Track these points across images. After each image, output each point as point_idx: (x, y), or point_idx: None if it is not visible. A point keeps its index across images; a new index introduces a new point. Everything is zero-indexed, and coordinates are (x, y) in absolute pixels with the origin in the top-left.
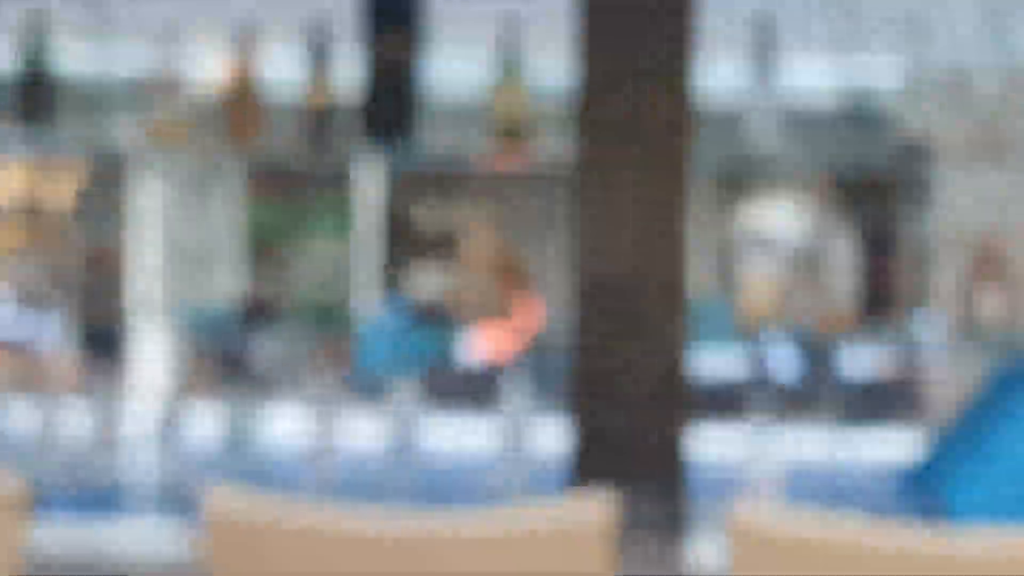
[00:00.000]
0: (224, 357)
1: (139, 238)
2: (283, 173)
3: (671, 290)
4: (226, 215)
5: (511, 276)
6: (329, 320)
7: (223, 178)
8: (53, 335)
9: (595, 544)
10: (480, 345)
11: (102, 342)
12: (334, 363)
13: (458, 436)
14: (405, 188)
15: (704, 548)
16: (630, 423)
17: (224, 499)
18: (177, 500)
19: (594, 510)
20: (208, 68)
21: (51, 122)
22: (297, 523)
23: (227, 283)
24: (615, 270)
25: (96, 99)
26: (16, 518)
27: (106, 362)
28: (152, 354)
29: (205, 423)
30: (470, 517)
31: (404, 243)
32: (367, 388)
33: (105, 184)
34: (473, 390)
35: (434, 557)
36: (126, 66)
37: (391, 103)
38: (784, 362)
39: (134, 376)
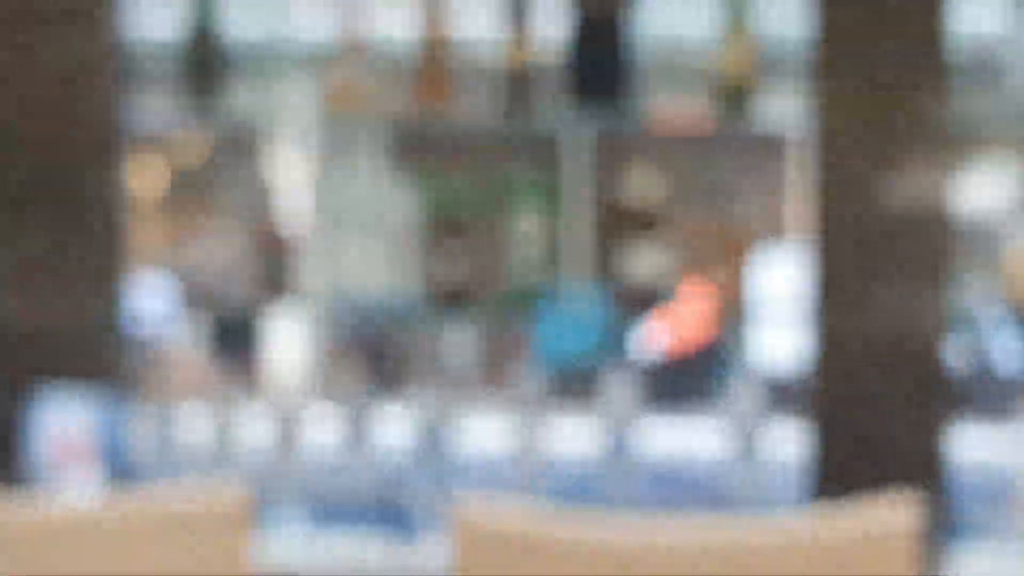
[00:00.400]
0: (405, 351)
1: (307, 216)
2: (476, 141)
3: (927, 265)
4: (406, 189)
5: (731, 252)
6: (530, 308)
7: (403, 147)
8: (201, 332)
9: (902, 553)
10: (687, 328)
11: (247, 338)
12: (536, 356)
13: (679, 438)
14: (616, 156)
15: (973, 559)
16: (880, 421)
17: (474, 510)
18: (379, 509)
19: (898, 516)
20: (396, 27)
21: (219, 91)
22: (559, 534)
23: (408, 266)
24: (859, 241)
25: (266, 65)
26: (244, 528)
27: (248, 360)
28: (312, 348)
29: (393, 425)
30: (754, 525)
31: (615, 218)
32: (574, 385)
33: (264, 157)
34: (692, 385)
35: (718, 568)
36: (302, 29)
37: (600, 62)
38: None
39: (296, 376)
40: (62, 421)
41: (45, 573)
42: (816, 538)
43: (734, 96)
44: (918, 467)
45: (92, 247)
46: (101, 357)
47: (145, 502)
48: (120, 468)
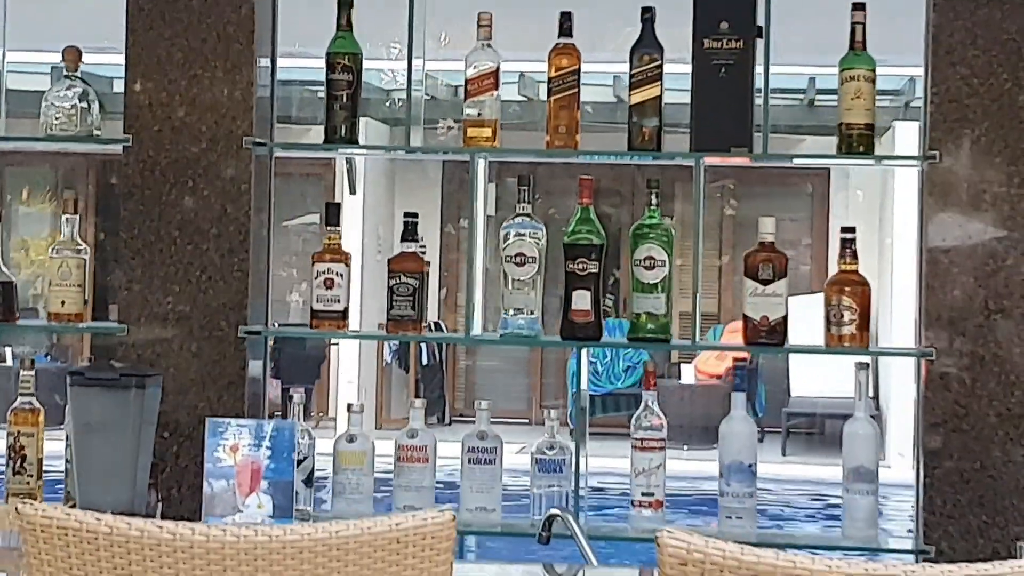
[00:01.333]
0: (530, 380)
1: (429, 247)
2: (600, 177)
3: None
4: (532, 224)
5: (854, 288)
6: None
7: (529, 183)
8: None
9: None
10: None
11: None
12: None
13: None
14: (733, 195)
15: None
16: (990, 455)
17: (676, 541)
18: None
19: None
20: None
21: (357, 128)
22: (767, 563)
23: (529, 300)
24: (965, 275)
25: (400, 101)
26: (450, 550)
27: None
28: (428, 374)
29: (516, 449)
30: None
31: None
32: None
33: (393, 190)
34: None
35: None
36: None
37: (726, 104)
38: None
39: (410, 404)
40: (232, 453)
41: None
42: None
43: (856, 145)
44: None
45: (238, 283)
46: (249, 395)
47: (352, 527)
48: (286, 497)
